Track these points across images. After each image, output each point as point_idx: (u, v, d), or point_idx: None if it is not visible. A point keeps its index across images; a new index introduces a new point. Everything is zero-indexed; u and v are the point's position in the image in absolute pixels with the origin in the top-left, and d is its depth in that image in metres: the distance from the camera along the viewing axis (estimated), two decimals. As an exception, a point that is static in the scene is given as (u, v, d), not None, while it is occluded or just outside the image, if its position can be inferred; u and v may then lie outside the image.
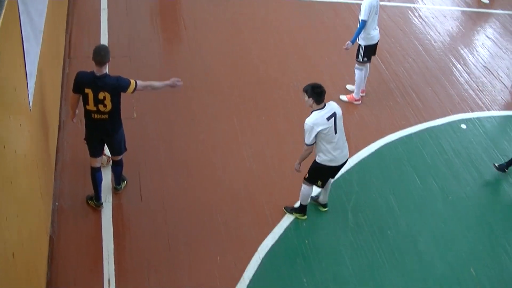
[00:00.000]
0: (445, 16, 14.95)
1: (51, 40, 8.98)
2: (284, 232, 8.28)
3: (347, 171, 9.40)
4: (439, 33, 14.08)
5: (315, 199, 8.75)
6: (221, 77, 11.32)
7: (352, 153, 9.63)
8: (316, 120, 7.56)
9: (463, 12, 15.45)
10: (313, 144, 7.70)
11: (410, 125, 10.69)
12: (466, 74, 12.57)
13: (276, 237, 8.18)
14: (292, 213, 8.54)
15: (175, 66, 11.43)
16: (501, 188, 9.61)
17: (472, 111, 11.39)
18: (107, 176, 8.51)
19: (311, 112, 7.69)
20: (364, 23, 10.23)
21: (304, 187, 8.27)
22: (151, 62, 11.40)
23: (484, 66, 13.03)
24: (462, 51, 13.48)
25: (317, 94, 7.55)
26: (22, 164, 5.96)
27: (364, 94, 11.21)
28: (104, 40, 11.71)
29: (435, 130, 10.69)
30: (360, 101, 11.00)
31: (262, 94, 11.06)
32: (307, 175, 8.20)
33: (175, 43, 12.44)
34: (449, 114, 11.15)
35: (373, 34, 10.50)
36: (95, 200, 8.19)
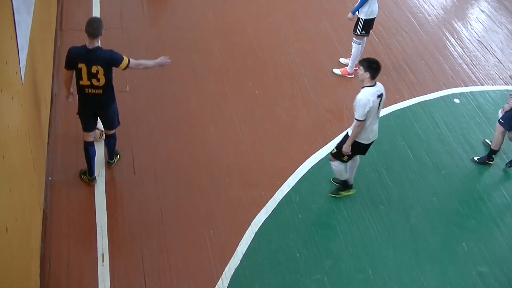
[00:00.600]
0: (439, -11, 14.88)
1: (42, 12, 8.89)
2: (277, 206, 8.29)
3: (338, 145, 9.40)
4: (433, 6, 14.00)
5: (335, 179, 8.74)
6: (213, 43, 11.30)
7: (345, 126, 9.64)
8: (370, 95, 7.54)
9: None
10: (364, 119, 7.65)
11: (404, 99, 10.67)
12: (460, 48, 12.53)
13: (269, 211, 8.20)
14: (340, 194, 8.57)
15: (166, 36, 11.37)
16: (494, 162, 9.62)
17: (466, 85, 11.37)
18: (100, 150, 8.48)
19: (362, 87, 7.66)
20: None
21: (334, 164, 8.29)
22: (143, 33, 11.30)
23: (478, 40, 12.99)
24: (456, 25, 13.43)
25: (374, 70, 7.53)
26: (14, 138, 5.93)
27: (357, 68, 11.13)
28: (96, 12, 11.60)
29: (428, 104, 10.68)
30: (354, 75, 10.96)
31: (252, 57, 11.15)
32: (334, 150, 8.20)
33: (166, 12, 12.31)
34: (442, 88, 11.13)
35: (373, 8, 10.42)
36: (88, 175, 8.17)
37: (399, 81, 11.10)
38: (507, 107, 9.00)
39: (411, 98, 10.74)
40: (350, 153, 8.01)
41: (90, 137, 7.95)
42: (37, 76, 7.87)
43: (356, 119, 7.66)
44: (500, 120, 9.12)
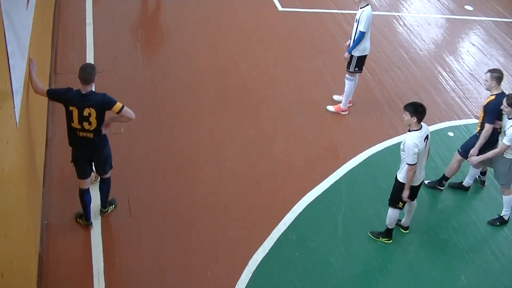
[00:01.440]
0: (429, 24, 15.03)
1: (36, 56, 8.92)
2: (274, 244, 8.25)
3: (336, 181, 9.42)
4: (424, 41, 14.15)
5: (397, 222, 8.71)
6: (206, 83, 11.38)
7: (340, 163, 9.68)
8: (417, 140, 7.63)
9: (447, 19, 15.54)
10: (416, 163, 7.70)
11: (398, 133, 10.69)
12: (452, 82, 12.63)
13: (267, 250, 8.15)
14: (379, 238, 8.54)
15: (159, 77, 11.42)
16: (489, 195, 9.62)
17: (459, 118, 11.44)
18: (95, 194, 8.45)
19: (409, 131, 7.76)
20: (363, 34, 10.25)
21: (391, 211, 8.29)
22: (136, 75, 11.35)
23: (469, 73, 13.10)
24: (447, 59, 13.55)
25: (420, 113, 7.64)
26: (9, 182, 5.91)
27: (351, 104, 11.23)
28: (89, 55, 11.67)
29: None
30: (347, 112, 11.01)
31: (246, 95, 11.27)
32: (389, 197, 8.26)
33: (159, 54, 12.39)
34: (436, 122, 11.19)
35: (366, 45, 10.52)
36: (85, 220, 8.12)
37: (393, 116, 11.15)
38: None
39: (405, 132, 10.71)
40: (408, 199, 8.08)
41: (85, 184, 7.92)
42: (32, 119, 7.87)
43: (407, 163, 7.72)
44: (459, 149, 9.18)
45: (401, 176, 7.98)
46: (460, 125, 11.23)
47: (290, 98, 11.23)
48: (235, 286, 7.60)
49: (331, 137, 10.42)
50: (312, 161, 9.82)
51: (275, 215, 8.70)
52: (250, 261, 7.95)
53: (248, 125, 10.42)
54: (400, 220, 8.68)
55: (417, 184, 8.05)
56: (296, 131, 10.42)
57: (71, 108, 7.23)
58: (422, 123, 7.73)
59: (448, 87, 12.42)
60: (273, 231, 8.44)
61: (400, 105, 11.36)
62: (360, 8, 10.31)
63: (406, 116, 7.68)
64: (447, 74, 12.91)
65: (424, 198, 9.37)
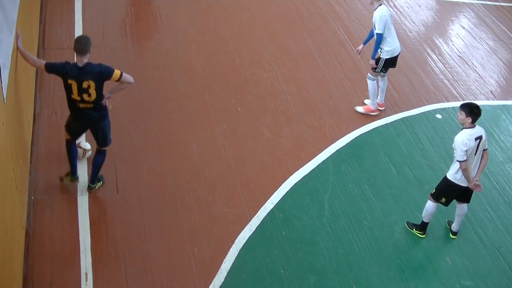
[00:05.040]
0: (419, 6, 15.01)
1: (24, 30, 8.86)
2: (261, 223, 8.28)
3: (323, 161, 9.44)
4: (414, 23, 14.14)
5: (449, 222, 8.74)
6: (195, 61, 11.34)
7: (327, 143, 9.70)
8: (467, 138, 7.66)
9: (437, 1, 15.52)
10: (465, 160, 7.70)
11: (386, 115, 10.74)
12: (441, 64, 12.65)
13: (253, 228, 8.18)
14: (413, 230, 8.54)
15: (148, 54, 11.39)
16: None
17: (447, 101, 11.47)
18: (83, 170, 8.44)
19: (462, 129, 7.79)
20: (380, 36, 9.98)
21: (429, 203, 8.31)
22: (125, 52, 11.31)
23: (458, 56, 13.12)
24: (437, 41, 13.56)
25: (475, 114, 7.69)
26: (-4, 157, 5.90)
27: (383, 108, 10.91)
28: (78, 31, 11.58)
29: (411, 120, 10.77)
30: (377, 112, 10.77)
31: (234, 74, 11.23)
32: (434, 190, 8.26)
33: (148, 31, 12.33)
34: (424, 104, 11.23)
35: (394, 46, 10.16)
36: (71, 175, 8.14)
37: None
38: None
39: (393, 114, 10.81)
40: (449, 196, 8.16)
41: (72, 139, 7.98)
42: (20, 94, 7.84)
43: (457, 160, 7.76)
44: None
45: (450, 173, 8.01)
46: (448, 107, 11.26)
47: (279, 77, 11.22)
48: (221, 264, 7.63)
49: (319, 116, 10.42)
50: (300, 140, 9.84)
51: (262, 193, 8.72)
52: (236, 239, 7.98)
53: (236, 104, 10.40)
54: (452, 222, 8.64)
55: (465, 184, 7.96)
56: (284, 110, 10.41)
57: (69, 81, 7.24)
58: (477, 125, 7.76)
59: (437, 69, 12.45)
60: (260, 210, 8.47)
61: (389, 86, 11.38)
62: (374, 10, 10.04)
63: (461, 115, 7.72)
64: (436, 56, 12.92)
65: (410, 178, 9.43)
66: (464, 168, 7.75)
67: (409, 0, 15.21)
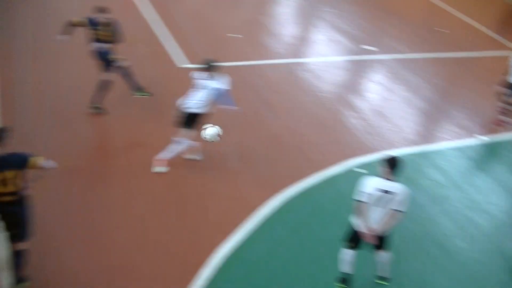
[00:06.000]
0: (331, 67, 15.36)
1: None
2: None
3: (251, 230, 9.32)
4: (328, 83, 14.41)
5: None
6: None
7: (251, 209, 9.63)
8: (371, 183, 7.78)
9: (349, 61, 15.92)
10: (361, 201, 7.79)
11: (309, 177, 10.75)
12: (357, 120, 12.87)
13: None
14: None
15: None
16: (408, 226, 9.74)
17: (368, 154, 11.63)
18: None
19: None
20: None
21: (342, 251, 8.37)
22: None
23: (373, 109, 13.40)
24: (351, 98, 13.84)
25: (392, 166, 7.72)
26: None
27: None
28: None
29: (336, 179, 10.85)
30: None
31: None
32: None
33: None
34: (346, 161, 11.33)
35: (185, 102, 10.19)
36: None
37: (304, 161, 11.24)
38: None
39: (316, 175, 10.85)
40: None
41: None
42: None
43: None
44: None
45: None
46: (370, 161, 11.37)
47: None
48: None
49: (241, 185, 10.39)
50: (225, 212, 9.72)
51: (190, 272, 8.47)
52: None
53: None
54: None
55: (363, 230, 7.94)
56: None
57: None
58: (398, 182, 7.74)
59: (355, 125, 12.64)
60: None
61: (311, 149, 11.49)
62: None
63: (382, 168, 7.74)
64: (353, 113, 13.14)
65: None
66: (357, 207, 7.82)
67: (322, 62, 15.52)
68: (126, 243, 8.97)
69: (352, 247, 8.20)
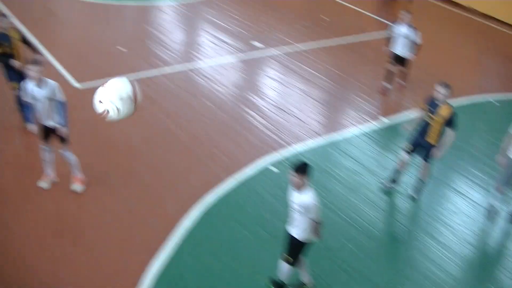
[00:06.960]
0: (226, 69, 15.27)
1: None
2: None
3: (177, 245, 9.10)
4: (225, 86, 14.31)
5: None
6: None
7: (173, 223, 9.41)
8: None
9: (241, 60, 15.88)
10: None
11: (225, 181, 10.63)
12: (261, 118, 12.85)
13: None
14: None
15: None
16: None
17: (277, 151, 11.63)
18: None
19: (304, 192, 7.39)
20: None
21: (284, 265, 8.04)
22: None
23: (275, 106, 13.42)
24: (251, 97, 13.81)
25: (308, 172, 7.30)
26: None
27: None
28: None
29: (250, 181, 10.76)
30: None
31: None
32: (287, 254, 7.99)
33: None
34: (256, 161, 11.29)
35: None
36: None
37: (214, 166, 11.08)
38: None
39: (231, 178, 10.71)
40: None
41: None
42: None
43: (315, 220, 7.58)
44: None
45: (298, 233, 7.67)
46: (281, 158, 11.39)
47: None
48: None
49: (161, 199, 10.12)
50: (146, 229, 9.45)
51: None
52: None
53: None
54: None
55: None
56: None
57: None
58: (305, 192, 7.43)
59: (258, 124, 12.61)
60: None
61: (218, 153, 11.37)
62: None
63: (296, 178, 7.29)
64: (254, 112, 13.11)
65: (266, 236, 9.34)
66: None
67: (214, 65, 15.41)
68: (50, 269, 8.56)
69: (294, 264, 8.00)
